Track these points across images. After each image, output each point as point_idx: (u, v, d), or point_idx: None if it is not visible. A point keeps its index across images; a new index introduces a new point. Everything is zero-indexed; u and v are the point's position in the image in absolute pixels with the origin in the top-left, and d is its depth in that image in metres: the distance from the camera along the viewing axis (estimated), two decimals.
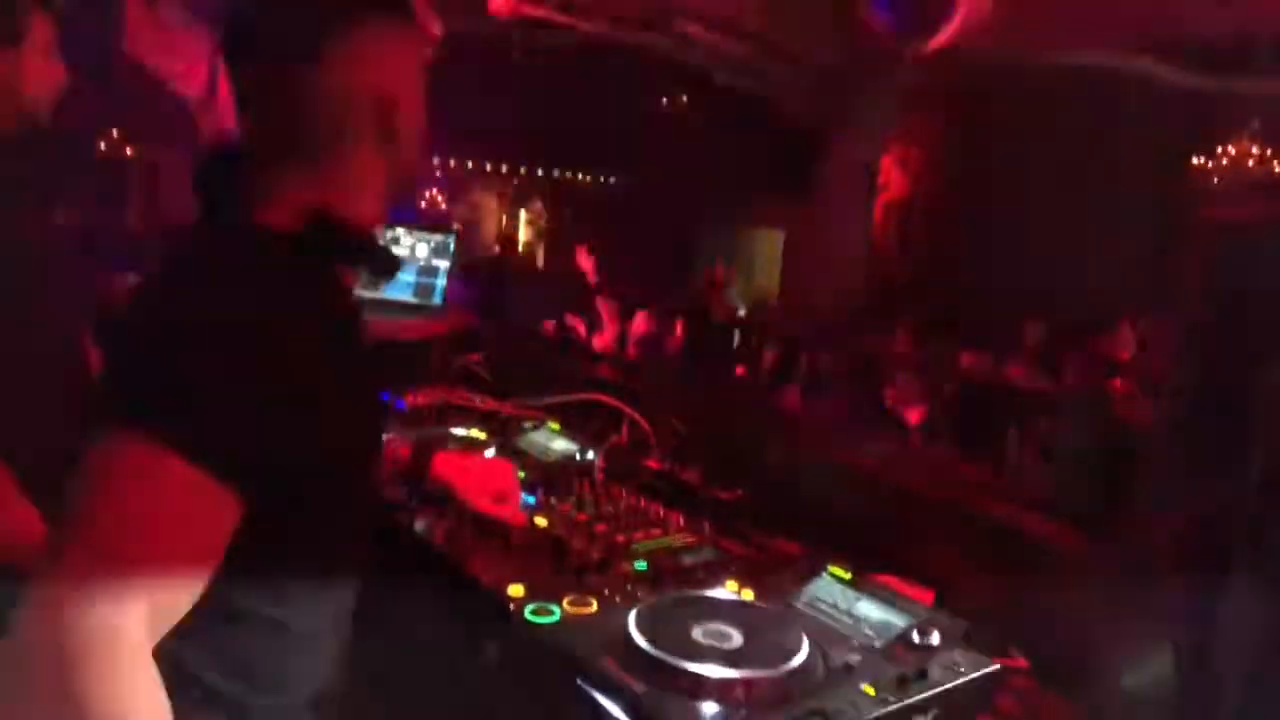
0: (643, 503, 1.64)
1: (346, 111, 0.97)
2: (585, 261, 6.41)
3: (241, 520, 0.83)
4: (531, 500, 1.59)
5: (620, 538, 1.48)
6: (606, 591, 1.29)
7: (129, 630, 0.73)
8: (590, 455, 1.84)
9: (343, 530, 1.05)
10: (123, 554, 0.75)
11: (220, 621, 0.87)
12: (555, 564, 1.37)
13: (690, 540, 1.52)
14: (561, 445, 1.92)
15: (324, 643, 1.05)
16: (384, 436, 1.11)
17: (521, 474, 1.72)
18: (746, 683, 1.08)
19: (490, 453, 1.84)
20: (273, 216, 0.95)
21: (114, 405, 0.83)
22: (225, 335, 0.84)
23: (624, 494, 1.68)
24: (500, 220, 12.14)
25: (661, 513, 1.60)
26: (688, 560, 1.44)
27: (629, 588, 1.31)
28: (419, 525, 1.52)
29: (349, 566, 1.08)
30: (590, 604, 1.25)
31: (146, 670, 0.74)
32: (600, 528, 1.51)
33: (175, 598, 0.78)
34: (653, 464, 1.84)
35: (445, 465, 1.50)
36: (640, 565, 1.39)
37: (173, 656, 0.78)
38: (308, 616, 1.00)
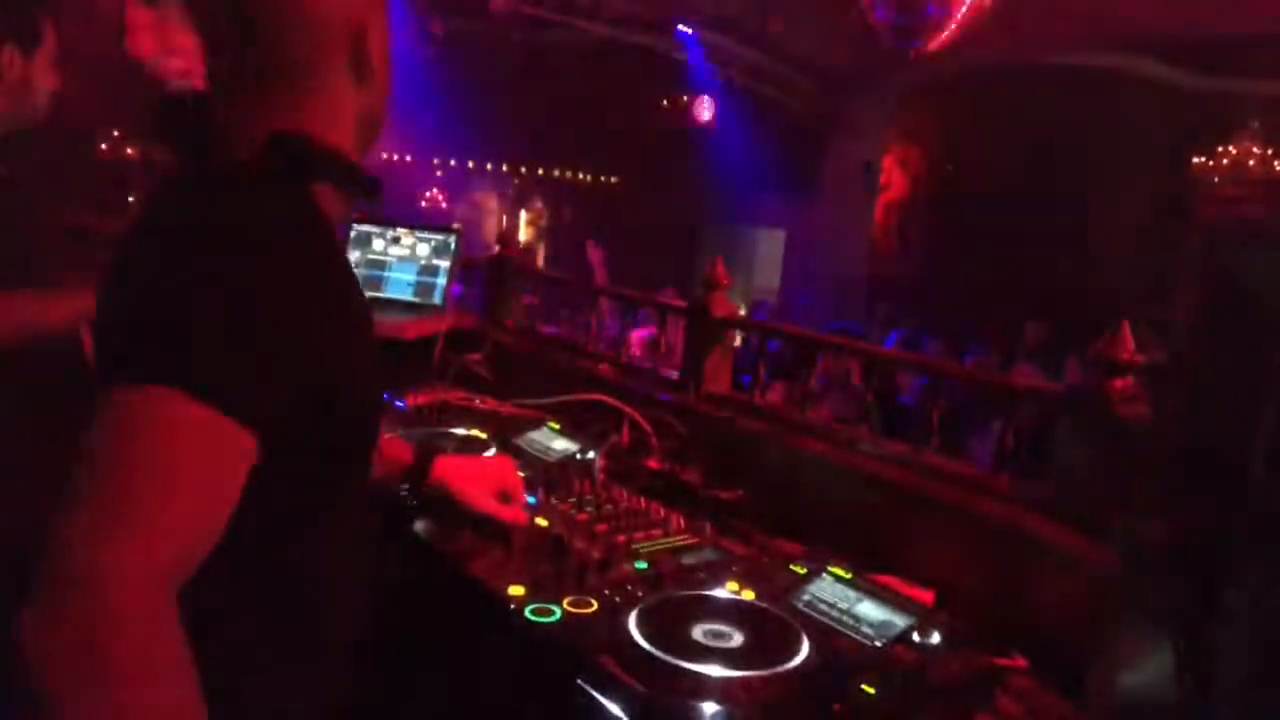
0: (643, 503, 1.64)
1: (316, 40, 0.95)
2: (595, 255, 6.34)
3: (258, 466, 0.82)
4: (532, 500, 1.59)
5: (621, 538, 1.48)
6: (607, 591, 1.29)
7: (150, 580, 0.72)
8: (591, 455, 1.84)
9: (355, 481, 1.04)
10: (138, 502, 0.73)
11: (232, 580, 0.85)
12: (556, 564, 1.37)
13: (691, 540, 1.52)
14: (562, 445, 1.92)
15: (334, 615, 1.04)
16: (384, 378, 1.07)
17: (522, 474, 1.72)
18: (746, 683, 1.08)
19: (491, 452, 1.85)
20: (245, 151, 0.93)
21: (111, 359, 0.82)
22: (208, 270, 0.83)
23: (624, 494, 1.68)
24: (500, 220, 12.14)
25: (662, 513, 1.60)
26: (688, 560, 1.44)
27: (629, 588, 1.31)
28: (419, 525, 1.52)
29: (360, 526, 1.07)
30: (591, 604, 1.25)
31: (170, 620, 0.73)
32: (601, 528, 1.51)
33: (194, 543, 0.77)
34: (653, 464, 1.84)
35: (446, 468, 1.49)
36: (641, 565, 1.39)
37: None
38: (318, 579, 1.00)
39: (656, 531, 1.53)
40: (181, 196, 0.94)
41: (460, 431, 1.97)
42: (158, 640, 0.72)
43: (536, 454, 1.89)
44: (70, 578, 0.70)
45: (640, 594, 1.29)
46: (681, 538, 1.52)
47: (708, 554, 1.48)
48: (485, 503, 1.47)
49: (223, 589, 0.84)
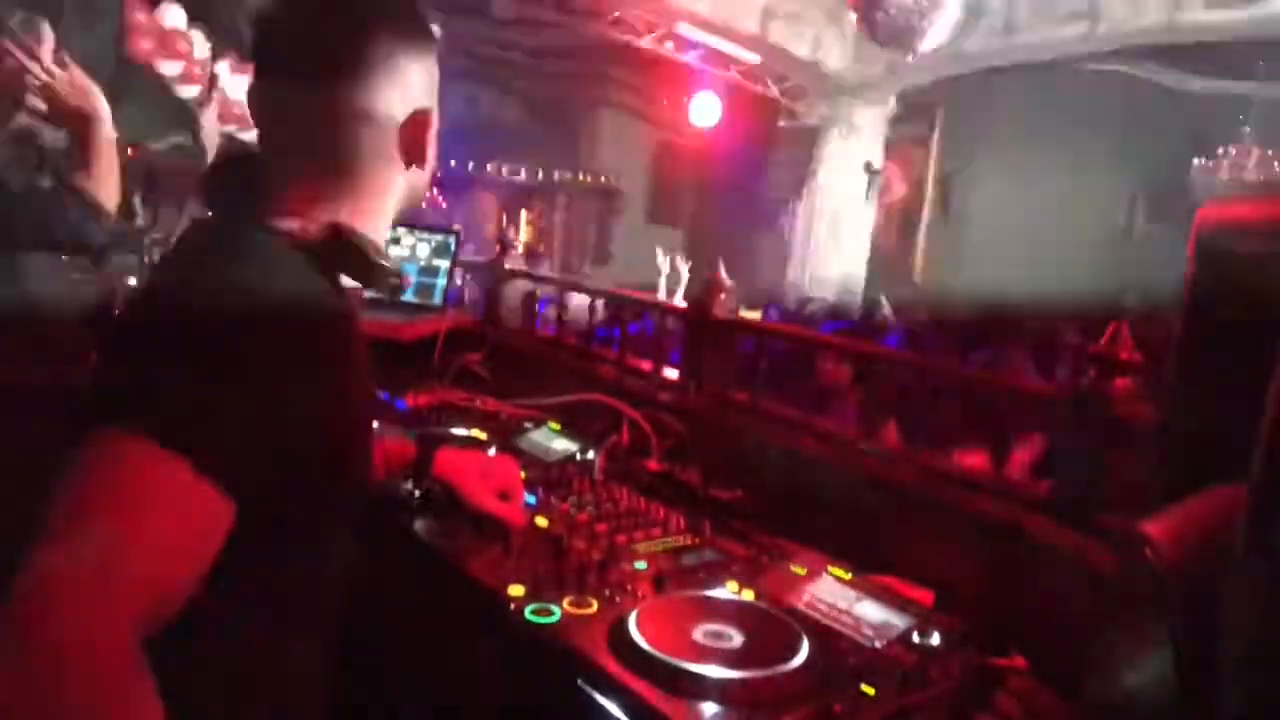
0: (643, 503, 1.64)
1: (378, 139, 1.00)
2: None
3: (233, 525, 0.81)
4: (532, 500, 1.59)
5: (621, 538, 1.48)
6: (607, 592, 1.29)
7: (119, 633, 0.70)
8: (590, 455, 1.84)
9: (328, 546, 1.04)
10: (113, 555, 0.72)
11: (203, 637, 0.84)
12: (556, 564, 1.37)
13: (690, 540, 1.52)
14: (561, 445, 1.92)
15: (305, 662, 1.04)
16: (372, 449, 1.12)
17: (522, 474, 1.72)
18: (746, 683, 1.08)
19: (492, 452, 1.85)
20: (288, 223, 0.96)
21: (110, 402, 0.80)
22: (233, 333, 0.83)
23: (624, 494, 1.68)
24: (500, 220, 12.14)
25: (662, 513, 1.60)
26: (688, 560, 1.44)
27: (629, 588, 1.31)
28: (419, 525, 1.52)
29: (333, 586, 1.08)
30: (591, 604, 1.25)
31: (139, 674, 0.71)
32: (600, 528, 1.51)
33: (165, 599, 0.75)
34: (653, 464, 1.84)
35: (448, 461, 1.50)
36: (640, 565, 1.39)
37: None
38: (292, 635, 1.00)
39: (656, 531, 1.53)
40: (214, 254, 0.94)
41: (460, 432, 1.97)
42: (122, 686, 0.70)
43: (536, 454, 1.89)
44: (34, 620, 0.68)
45: (640, 594, 1.29)
46: (681, 538, 1.52)
47: (708, 554, 1.48)
48: (486, 499, 1.48)
49: (207, 629, 0.83)
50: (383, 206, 1.05)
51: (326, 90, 0.97)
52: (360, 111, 0.98)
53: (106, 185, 1.70)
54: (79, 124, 1.69)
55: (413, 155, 1.04)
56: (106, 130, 1.71)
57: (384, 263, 1.02)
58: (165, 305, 0.89)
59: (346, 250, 0.98)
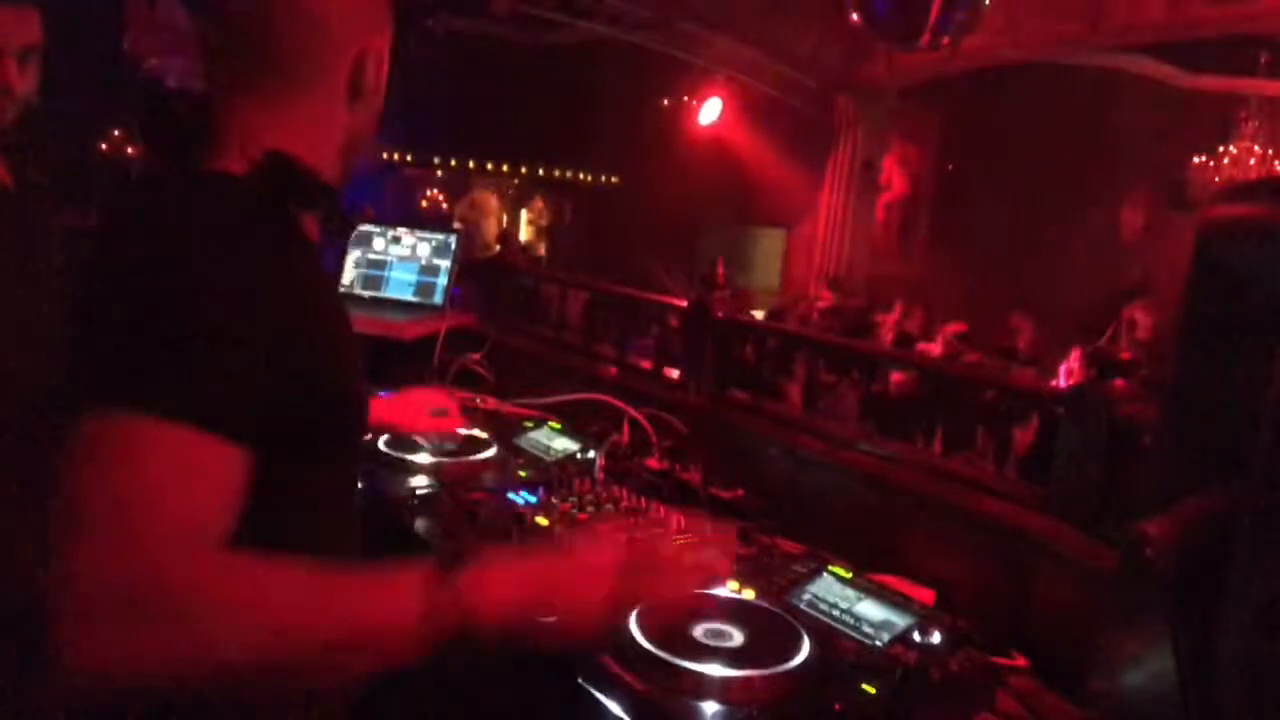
0: (643, 502, 1.64)
1: (321, 60, 0.97)
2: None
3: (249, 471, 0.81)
4: (533, 499, 1.59)
5: (621, 538, 1.48)
6: None
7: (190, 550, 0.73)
8: (591, 454, 1.84)
9: (340, 482, 1.05)
10: (135, 533, 0.71)
11: None
12: None
13: (691, 540, 1.52)
14: (562, 445, 1.92)
15: None
16: (363, 380, 1.09)
17: (522, 473, 1.72)
18: (746, 682, 1.08)
19: (491, 452, 1.85)
20: (231, 162, 0.93)
21: (92, 385, 0.79)
22: (190, 285, 0.81)
23: (624, 494, 1.68)
24: (500, 220, 12.13)
25: (662, 512, 1.60)
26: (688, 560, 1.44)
27: None
28: (419, 525, 1.52)
29: (347, 526, 1.09)
30: None
31: (224, 558, 0.76)
32: (600, 528, 1.51)
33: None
34: (653, 464, 1.84)
35: (379, 407, 1.59)
36: None
37: None
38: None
39: (656, 531, 1.53)
40: (162, 205, 0.92)
41: (460, 431, 1.96)
42: (224, 577, 0.75)
43: (537, 454, 1.89)
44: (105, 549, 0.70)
45: None
46: (681, 538, 1.52)
47: (708, 554, 1.47)
48: (423, 423, 1.62)
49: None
50: (324, 143, 1.00)
51: (266, 11, 0.94)
52: (301, 39, 0.95)
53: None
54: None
55: (352, 88, 1.00)
56: None
57: (328, 188, 0.99)
58: (115, 267, 0.87)
59: (286, 172, 0.94)
